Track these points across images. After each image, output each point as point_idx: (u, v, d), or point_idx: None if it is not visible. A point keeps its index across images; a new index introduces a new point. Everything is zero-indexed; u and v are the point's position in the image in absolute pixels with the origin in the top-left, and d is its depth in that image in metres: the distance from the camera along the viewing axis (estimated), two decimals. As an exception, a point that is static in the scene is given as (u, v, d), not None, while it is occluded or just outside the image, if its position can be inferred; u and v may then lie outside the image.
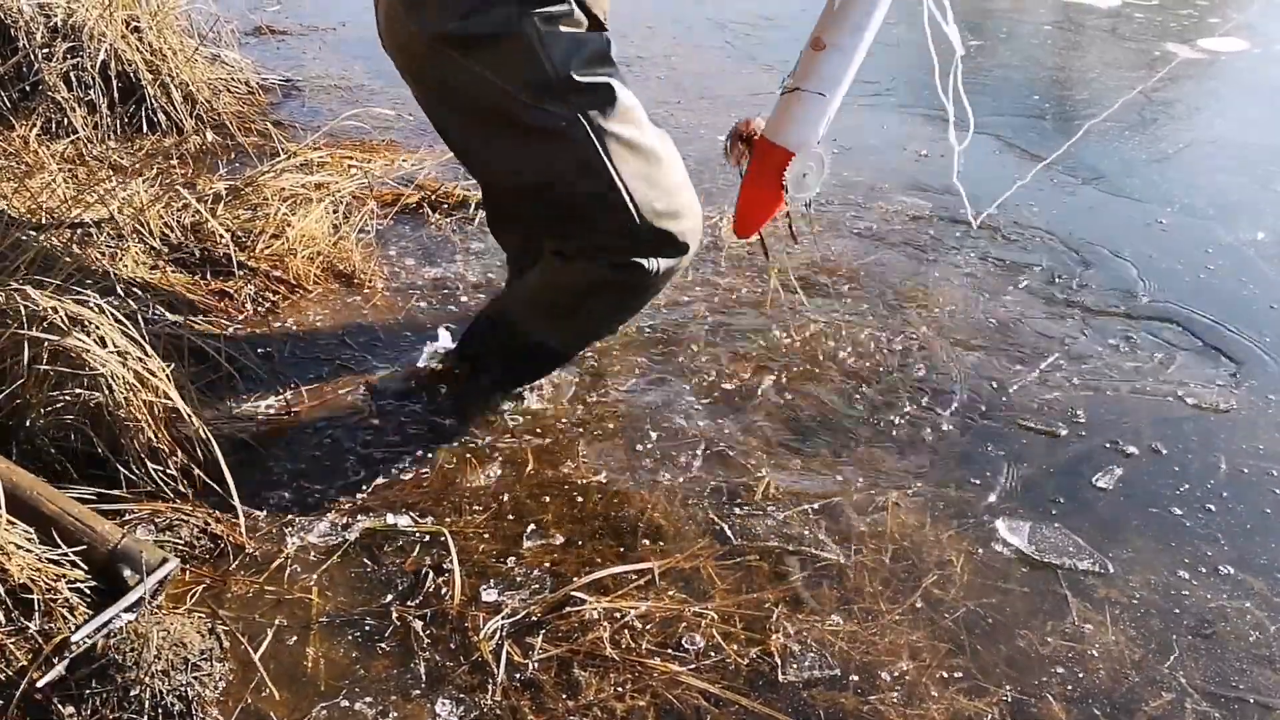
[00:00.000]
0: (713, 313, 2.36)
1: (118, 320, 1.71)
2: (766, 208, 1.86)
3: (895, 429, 2.00)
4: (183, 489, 1.69)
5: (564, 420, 1.97)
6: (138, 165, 2.74)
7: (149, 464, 1.68)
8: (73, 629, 1.41)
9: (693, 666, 1.47)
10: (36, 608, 1.42)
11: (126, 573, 1.47)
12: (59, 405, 1.66)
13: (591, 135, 1.63)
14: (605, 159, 1.65)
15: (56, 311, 1.66)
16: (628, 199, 1.68)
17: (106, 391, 1.65)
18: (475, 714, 1.39)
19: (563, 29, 1.60)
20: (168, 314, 2.08)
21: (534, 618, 1.53)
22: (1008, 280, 2.58)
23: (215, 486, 1.69)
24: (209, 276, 2.32)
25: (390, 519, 1.71)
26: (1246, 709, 1.46)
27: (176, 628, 1.41)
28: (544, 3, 1.58)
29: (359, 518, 1.71)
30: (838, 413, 2.04)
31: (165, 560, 1.51)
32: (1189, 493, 1.86)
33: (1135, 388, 2.16)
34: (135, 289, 2.09)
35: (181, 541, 1.62)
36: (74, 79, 2.95)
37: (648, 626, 1.53)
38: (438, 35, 1.60)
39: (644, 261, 1.74)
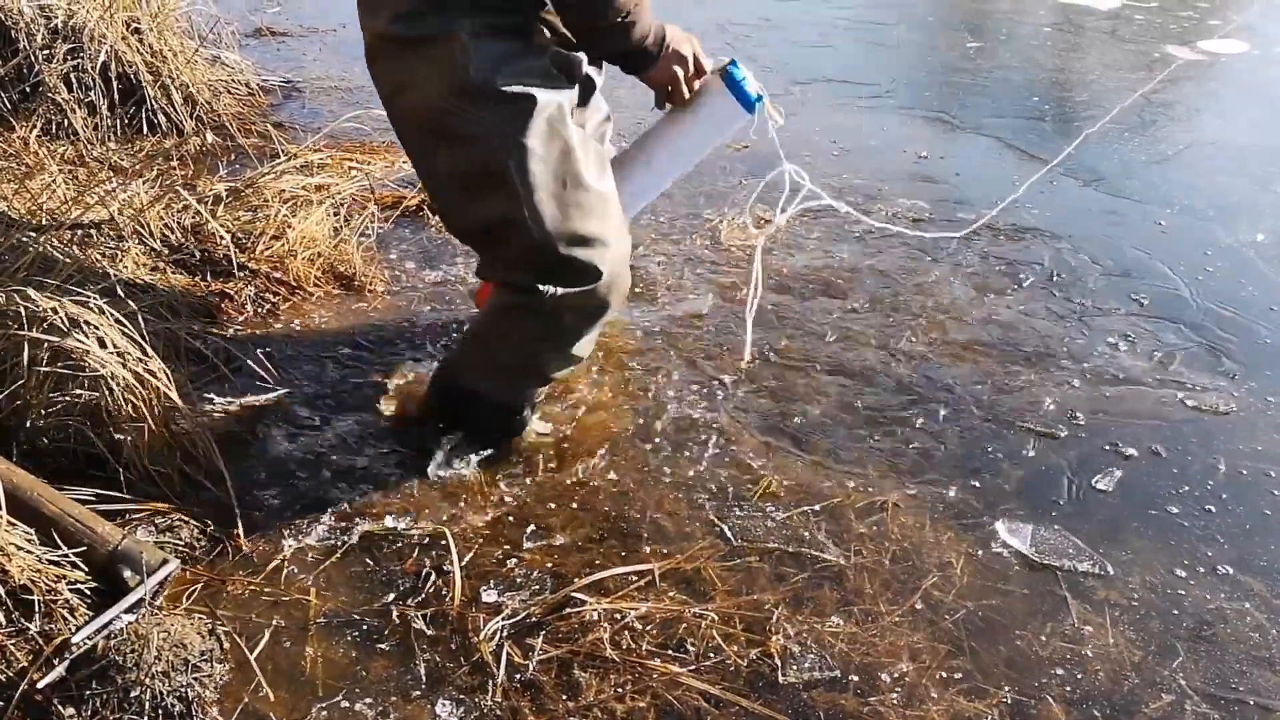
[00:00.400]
0: (712, 314, 2.36)
1: (118, 321, 1.71)
2: None
3: (895, 430, 2.00)
4: (182, 490, 1.69)
5: (565, 421, 1.97)
6: (138, 166, 2.75)
7: (149, 465, 1.68)
8: (73, 630, 1.41)
9: (693, 667, 1.47)
10: (37, 609, 1.42)
11: (127, 574, 1.47)
12: (59, 406, 1.66)
13: (509, 148, 1.58)
14: (516, 174, 1.59)
15: (57, 312, 1.66)
16: (529, 218, 1.61)
17: (106, 392, 1.65)
18: (475, 715, 1.39)
19: (499, 41, 1.57)
20: (168, 315, 2.08)
21: (534, 618, 1.53)
22: (1008, 281, 2.58)
23: (215, 488, 1.69)
24: (209, 278, 2.32)
25: (390, 520, 1.71)
26: (1246, 711, 1.46)
27: (176, 629, 1.41)
28: (489, 13, 1.56)
29: (359, 519, 1.71)
30: (838, 414, 2.04)
31: (165, 561, 1.52)
32: (1188, 494, 1.86)
33: (1135, 389, 2.16)
34: (135, 290, 2.09)
35: (181, 542, 1.62)
36: (74, 80, 2.95)
37: (648, 627, 1.53)
38: (380, 35, 1.60)
39: (540, 285, 1.66)
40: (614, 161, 1.87)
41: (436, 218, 2.71)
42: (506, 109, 1.58)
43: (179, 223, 2.40)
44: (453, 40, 1.54)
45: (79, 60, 2.95)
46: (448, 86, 1.57)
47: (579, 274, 1.68)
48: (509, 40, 1.59)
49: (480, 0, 1.55)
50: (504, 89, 1.56)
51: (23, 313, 1.65)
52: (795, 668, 1.48)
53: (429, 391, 1.96)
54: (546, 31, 1.63)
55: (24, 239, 1.95)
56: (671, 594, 1.59)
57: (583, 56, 1.69)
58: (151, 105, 3.06)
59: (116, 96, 3.00)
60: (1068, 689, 1.47)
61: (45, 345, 1.64)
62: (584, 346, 1.83)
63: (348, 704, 1.39)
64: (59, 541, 1.47)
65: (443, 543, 1.65)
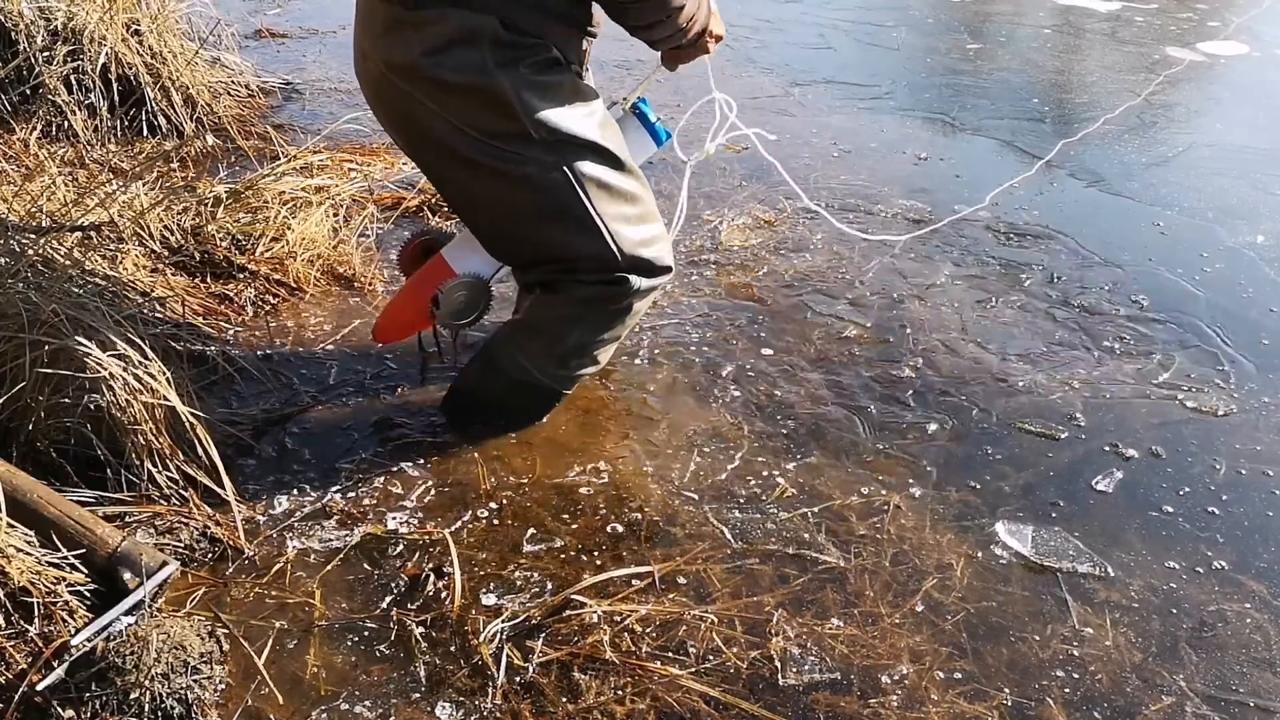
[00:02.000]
0: (712, 314, 2.36)
1: (118, 323, 1.71)
2: (414, 319, 1.93)
3: (896, 432, 2.00)
4: (183, 492, 1.69)
5: (564, 424, 1.97)
6: (138, 168, 2.75)
7: (149, 467, 1.68)
8: (73, 632, 1.41)
9: (693, 670, 1.47)
10: (36, 611, 1.42)
11: (126, 576, 1.47)
12: (59, 408, 1.66)
13: (574, 183, 1.67)
14: (588, 205, 1.69)
15: (57, 315, 1.66)
16: (609, 238, 1.72)
17: (107, 394, 1.65)
18: (475, 717, 1.39)
19: (541, 79, 1.62)
20: (168, 317, 2.08)
21: (534, 621, 1.53)
22: (1008, 283, 2.58)
23: (215, 489, 1.69)
24: (209, 279, 2.32)
25: (391, 523, 1.71)
26: (1246, 712, 1.46)
27: (176, 631, 1.41)
28: (518, 50, 1.59)
29: (359, 521, 1.71)
30: (838, 415, 2.04)
31: (165, 563, 1.51)
32: (1188, 495, 1.86)
33: (1135, 390, 2.16)
34: (135, 292, 2.09)
35: (181, 545, 1.61)
36: (74, 82, 2.95)
37: (648, 630, 1.53)
38: (404, 65, 1.61)
39: (630, 276, 1.77)
40: None
41: (436, 218, 2.72)
42: (566, 148, 1.66)
43: (179, 224, 2.40)
44: (498, 89, 1.59)
45: (79, 62, 2.95)
46: (498, 131, 1.63)
47: (650, 270, 1.80)
48: (547, 75, 1.64)
49: (506, 38, 1.58)
50: (564, 130, 1.65)
51: (23, 315, 1.64)
52: (795, 670, 1.48)
53: (466, 378, 1.97)
54: (561, 57, 1.67)
55: (24, 241, 1.95)
56: (672, 596, 1.59)
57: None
58: (152, 107, 3.06)
59: (116, 98, 3.00)
60: (1068, 690, 1.47)
61: (45, 347, 1.64)
62: (628, 331, 1.95)
63: (347, 706, 1.39)
64: (59, 544, 1.47)
65: (443, 545, 1.65)
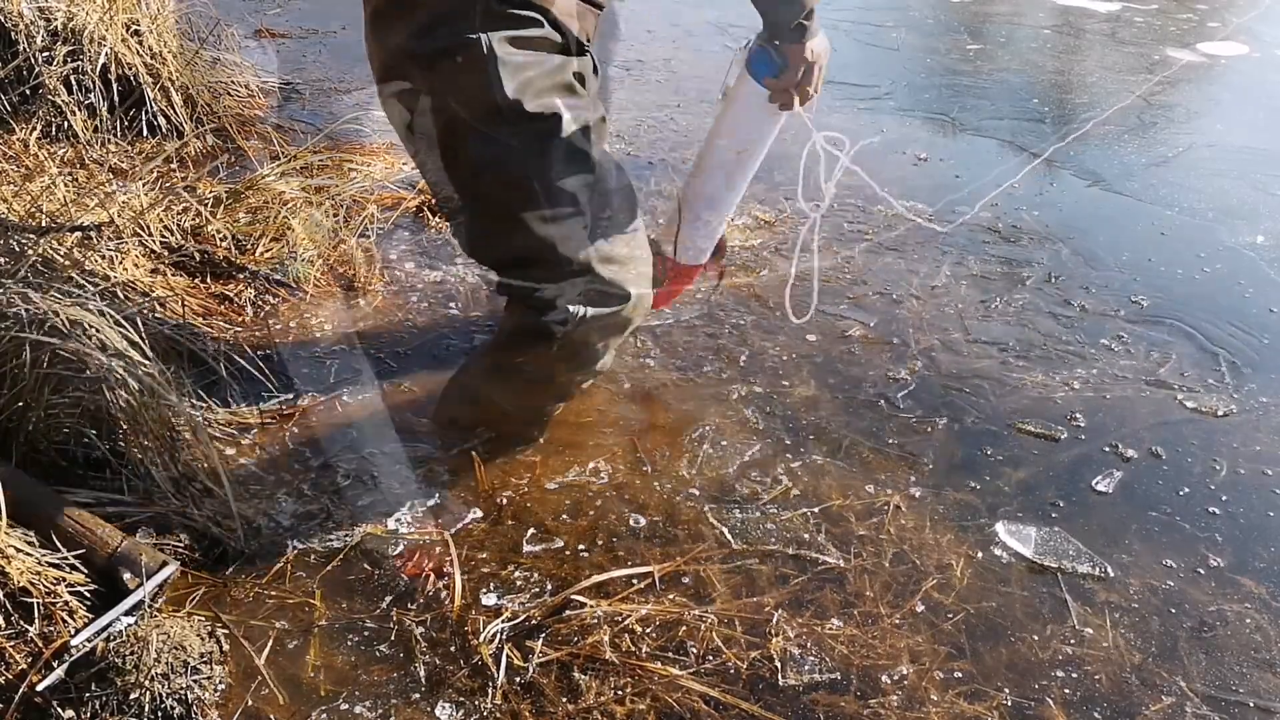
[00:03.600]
0: (714, 315, 2.36)
1: (118, 323, 1.71)
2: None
3: (896, 432, 2.00)
4: (183, 492, 1.69)
5: (564, 424, 1.97)
6: (138, 168, 2.74)
7: (149, 467, 1.68)
8: (73, 632, 1.41)
9: (693, 670, 1.47)
10: (36, 611, 1.42)
11: (126, 576, 1.47)
12: (60, 408, 1.66)
13: (538, 172, 1.56)
14: (544, 199, 1.57)
15: (57, 315, 1.65)
16: (560, 243, 1.60)
17: (107, 395, 1.65)
18: (475, 717, 1.39)
19: (524, 52, 1.53)
20: (168, 317, 2.08)
21: (534, 621, 1.53)
22: (1008, 283, 2.58)
23: (215, 490, 1.69)
24: (209, 279, 2.32)
25: (391, 523, 1.71)
26: (1246, 713, 1.46)
27: (176, 631, 1.41)
28: (510, 21, 1.52)
29: (360, 521, 1.71)
30: (838, 415, 2.04)
31: (165, 564, 1.51)
32: (1188, 496, 1.87)
33: (1134, 391, 2.16)
34: (135, 292, 2.09)
35: (181, 545, 1.61)
36: (74, 82, 2.95)
37: (648, 630, 1.53)
38: (403, 53, 1.57)
39: (570, 306, 1.65)
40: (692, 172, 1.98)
41: (436, 218, 2.72)
42: (533, 129, 1.55)
43: (179, 224, 2.40)
44: (475, 56, 1.50)
45: (79, 62, 2.95)
46: (474, 107, 1.54)
47: (608, 296, 1.67)
48: (536, 50, 1.56)
49: (496, 9, 1.53)
50: (531, 108, 1.53)
51: (23, 315, 1.64)
52: (795, 670, 1.48)
53: (442, 405, 1.95)
54: (558, 34, 1.61)
55: (24, 241, 1.95)
56: (671, 596, 1.59)
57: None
58: (151, 107, 3.06)
59: (116, 98, 3.00)
60: (1068, 691, 1.47)
61: (46, 348, 1.64)
62: (605, 361, 1.83)
63: (347, 706, 1.39)
64: (59, 544, 1.47)
65: (443, 545, 1.65)
